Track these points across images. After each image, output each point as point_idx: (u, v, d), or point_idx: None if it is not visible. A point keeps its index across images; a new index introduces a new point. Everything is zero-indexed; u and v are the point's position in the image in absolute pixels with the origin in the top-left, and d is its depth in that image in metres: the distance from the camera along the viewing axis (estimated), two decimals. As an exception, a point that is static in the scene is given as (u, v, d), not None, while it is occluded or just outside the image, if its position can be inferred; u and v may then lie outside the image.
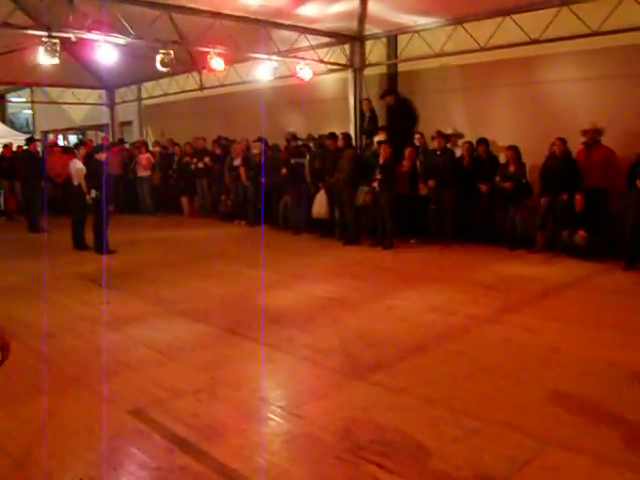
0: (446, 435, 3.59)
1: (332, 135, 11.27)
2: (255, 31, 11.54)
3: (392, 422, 3.78)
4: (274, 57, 12.04)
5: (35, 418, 3.88)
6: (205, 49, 11.06)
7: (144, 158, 15.57)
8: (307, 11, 11.14)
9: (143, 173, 15.54)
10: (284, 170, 11.90)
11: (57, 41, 9.33)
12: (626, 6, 8.66)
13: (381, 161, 10.21)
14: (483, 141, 10.17)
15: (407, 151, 10.52)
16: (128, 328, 5.94)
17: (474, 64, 10.89)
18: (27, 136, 17.10)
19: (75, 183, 10.26)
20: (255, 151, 12.87)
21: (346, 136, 11.25)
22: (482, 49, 10.44)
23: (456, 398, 4.12)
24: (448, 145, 10.55)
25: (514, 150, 9.60)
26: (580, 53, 9.71)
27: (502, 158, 9.93)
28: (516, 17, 9.83)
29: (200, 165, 14.55)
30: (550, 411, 3.90)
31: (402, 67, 12.43)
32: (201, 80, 15.93)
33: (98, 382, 4.50)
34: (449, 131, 10.85)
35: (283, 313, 6.37)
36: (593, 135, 8.96)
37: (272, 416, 3.97)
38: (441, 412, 3.90)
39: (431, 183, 10.10)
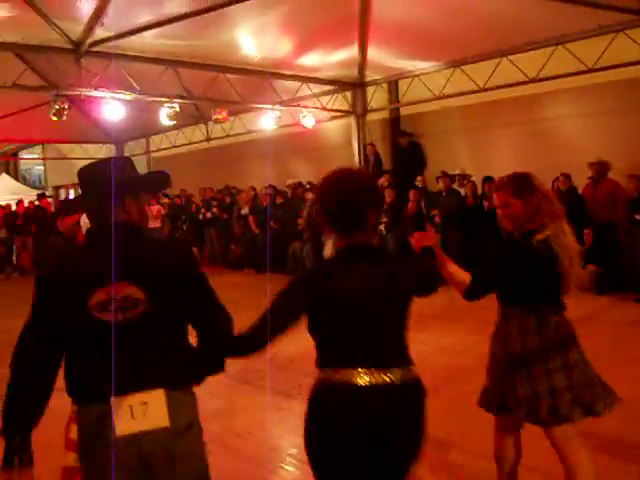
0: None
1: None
2: (258, 82, 11.82)
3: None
4: (277, 107, 12.27)
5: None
6: (210, 102, 11.32)
7: (154, 209, 15.74)
8: (308, 61, 11.41)
9: (154, 224, 15.68)
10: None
11: (65, 104, 9.66)
12: (618, 43, 8.84)
13: (385, 205, 10.30)
14: (489, 179, 10.20)
15: (411, 193, 10.59)
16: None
17: (475, 104, 11.06)
18: (39, 192, 17.41)
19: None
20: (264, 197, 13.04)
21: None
22: (481, 90, 10.61)
23: (469, 439, 4.04)
24: (454, 186, 10.60)
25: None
26: (577, 89, 9.84)
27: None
28: (513, 57, 10.03)
29: (208, 215, 14.71)
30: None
31: (404, 111, 12.63)
32: (208, 131, 16.21)
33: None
34: (456, 172, 10.90)
35: (291, 359, 6.32)
36: (599, 168, 8.98)
37: (283, 465, 3.91)
38: (454, 455, 3.82)
39: (437, 219, 10.11)
